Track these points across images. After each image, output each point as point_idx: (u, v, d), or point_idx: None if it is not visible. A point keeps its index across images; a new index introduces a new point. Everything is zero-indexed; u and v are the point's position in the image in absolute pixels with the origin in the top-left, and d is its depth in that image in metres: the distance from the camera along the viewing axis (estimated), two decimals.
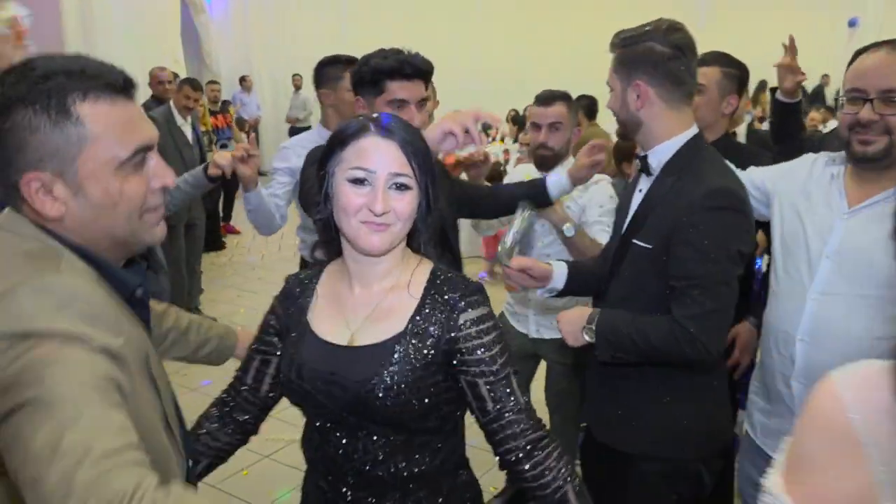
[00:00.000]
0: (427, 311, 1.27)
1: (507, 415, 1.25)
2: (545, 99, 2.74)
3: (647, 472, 1.79)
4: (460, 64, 12.69)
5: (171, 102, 5.48)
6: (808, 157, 1.93)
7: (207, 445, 1.42)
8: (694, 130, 1.77)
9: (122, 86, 1.03)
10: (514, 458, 1.27)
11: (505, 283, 2.11)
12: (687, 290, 1.63)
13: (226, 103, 12.11)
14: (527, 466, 1.26)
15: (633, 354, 1.70)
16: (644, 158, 1.80)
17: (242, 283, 6.66)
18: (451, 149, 1.71)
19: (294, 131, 11.20)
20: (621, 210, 1.94)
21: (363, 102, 2.07)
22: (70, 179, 0.99)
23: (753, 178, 1.98)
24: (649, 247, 1.73)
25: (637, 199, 1.84)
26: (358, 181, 1.23)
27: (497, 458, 1.31)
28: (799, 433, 0.85)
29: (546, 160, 2.73)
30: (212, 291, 6.34)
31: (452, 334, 1.25)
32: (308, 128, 12.26)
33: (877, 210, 1.67)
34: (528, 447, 1.26)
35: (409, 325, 1.26)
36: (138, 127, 1.05)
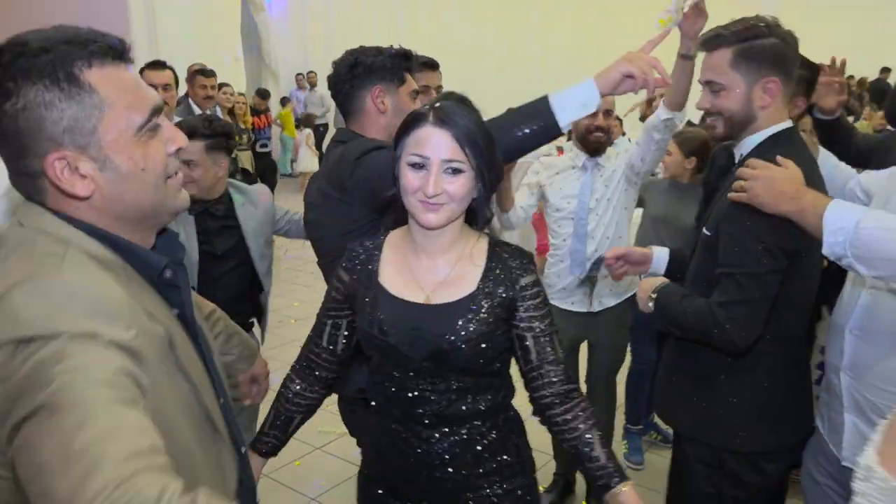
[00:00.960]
0: (492, 276, 1.48)
1: (545, 365, 1.49)
2: None
3: (687, 453, 1.86)
4: (515, 54, 12.66)
5: (189, 96, 5.26)
6: None
7: (299, 404, 1.65)
8: (788, 123, 1.78)
9: (121, 50, 0.99)
10: (547, 403, 1.50)
11: (612, 275, 2.17)
12: (722, 277, 1.68)
13: (284, 100, 12.38)
14: (558, 411, 1.49)
15: (678, 329, 1.81)
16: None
17: (295, 278, 6.78)
18: (629, 89, 1.69)
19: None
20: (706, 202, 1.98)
21: (381, 88, 1.95)
22: (94, 152, 0.95)
23: (862, 180, 1.95)
24: (709, 234, 1.77)
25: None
26: (416, 165, 1.40)
27: (532, 403, 1.54)
28: None
29: (601, 145, 2.90)
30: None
31: (513, 294, 1.47)
32: (325, 125, 12.38)
33: None
34: (561, 395, 1.49)
35: (480, 286, 1.47)
36: (145, 90, 1.02)
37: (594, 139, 2.88)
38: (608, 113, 2.89)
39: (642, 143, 2.73)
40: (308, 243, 2.10)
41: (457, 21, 13.08)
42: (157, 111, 1.01)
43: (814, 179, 1.67)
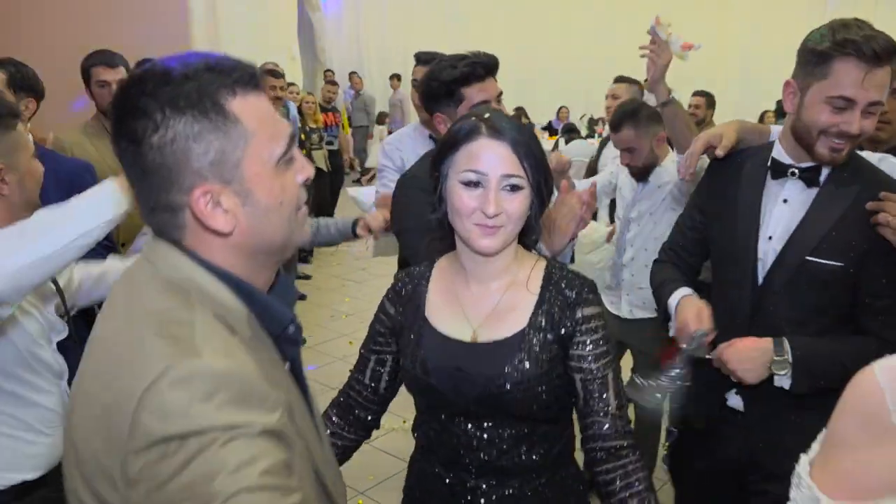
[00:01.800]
0: (546, 306, 1.33)
1: (594, 415, 1.32)
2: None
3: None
4: (575, 56, 12.56)
5: None
6: None
7: (335, 444, 1.47)
8: None
9: (258, 78, 0.95)
10: (592, 458, 1.34)
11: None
12: (886, 309, 1.58)
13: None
14: (599, 469, 1.33)
15: (839, 381, 1.63)
16: (816, 169, 1.67)
17: (347, 273, 6.88)
18: (578, 230, 1.71)
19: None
20: (745, 219, 1.75)
21: (442, 118, 1.98)
22: (238, 186, 0.91)
23: None
24: (840, 265, 1.61)
25: (786, 210, 1.71)
26: (471, 184, 1.27)
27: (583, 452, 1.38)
28: (832, 419, 0.86)
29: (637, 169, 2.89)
30: (318, 279, 6.63)
31: (570, 327, 1.32)
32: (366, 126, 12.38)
33: None
34: (607, 452, 1.32)
35: (532, 320, 1.32)
36: (281, 119, 0.99)
37: (631, 169, 2.92)
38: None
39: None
40: (360, 240, 2.13)
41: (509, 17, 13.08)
42: (293, 140, 0.98)
43: None
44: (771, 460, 1.69)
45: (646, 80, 2.34)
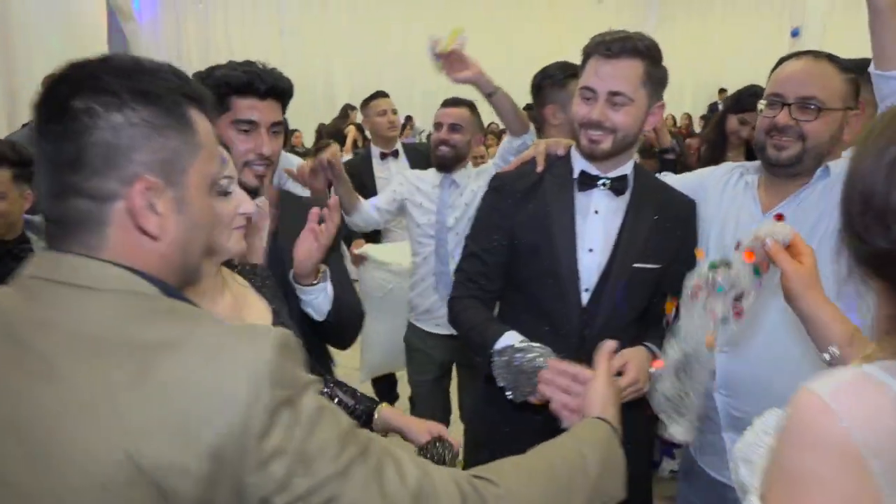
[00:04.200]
0: None
1: None
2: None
3: None
4: (406, 72, 12.77)
5: None
6: (727, 166, 2.04)
7: None
8: None
9: (208, 102, 0.98)
10: None
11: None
12: None
13: None
14: None
15: None
16: (622, 178, 1.81)
17: None
18: None
19: None
20: (562, 233, 1.78)
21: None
22: (177, 192, 0.91)
23: (684, 185, 2.00)
24: (658, 266, 1.78)
25: (599, 221, 1.80)
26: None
27: None
28: (782, 452, 0.82)
29: (447, 160, 3.01)
30: None
31: None
32: None
33: (785, 213, 1.76)
34: None
35: None
36: (219, 146, 1.03)
37: (439, 153, 3.01)
38: (454, 127, 3.00)
39: (494, 167, 2.68)
40: None
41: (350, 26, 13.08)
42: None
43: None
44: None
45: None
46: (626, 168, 1.82)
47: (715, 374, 1.79)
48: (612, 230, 1.79)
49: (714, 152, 3.26)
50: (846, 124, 1.76)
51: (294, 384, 0.84)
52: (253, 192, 1.64)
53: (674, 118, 12.98)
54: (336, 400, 1.50)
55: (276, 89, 1.73)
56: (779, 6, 13.94)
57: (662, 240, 1.79)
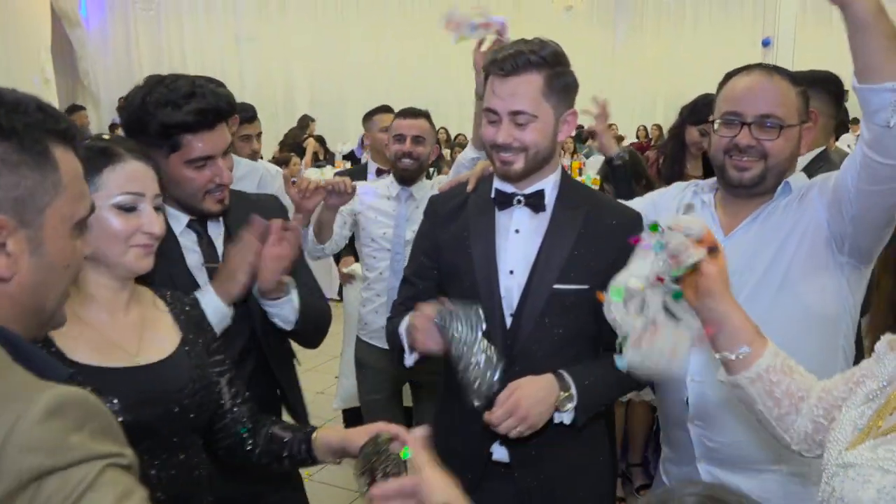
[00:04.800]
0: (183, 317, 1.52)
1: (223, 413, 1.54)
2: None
3: None
4: (365, 80, 12.73)
5: None
6: (678, 186, 2.01)
7: None
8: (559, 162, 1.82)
9: (77, 137, 0.97)
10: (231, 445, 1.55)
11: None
12: None
13: (113, 126, 11.66)
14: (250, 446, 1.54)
15: (611, 403, 1.83)
16: (538, 194, 1.75)
17: None
18: None
19: None
20: (483, 256, 1.75)
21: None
22: (32, 233, 0.90)
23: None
24: (585, 287, 1.68)
25: (520, 241, 1.75)
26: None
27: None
28: None
29: (410, 172, 2.98)
30: None
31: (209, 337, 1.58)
32: None
33: (748, 233, 1.76)
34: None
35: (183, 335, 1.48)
36: (85, 184, 1.00)
37: (402, 166, 2.97)
38: (417, 139, 2.97)
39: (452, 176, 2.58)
40: None
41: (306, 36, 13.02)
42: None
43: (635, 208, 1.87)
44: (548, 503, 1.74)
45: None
46: (545, 183, 1.76)
47: (688, 405, 1.77)
48: (531, 250, 1.73)
49: (674, 165, 3.29)
50: (801, 138, 1.78)
51: (63, 452, 0.79)
52: (220, 213, 1.80)
53: (645, 129, 13.08)
54: (267, 432, 1.54)
55: (223, 112, 1.70)
56: (750, 16, 14.14)
57: (588, 257, 1.71)
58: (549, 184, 1.76)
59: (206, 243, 1.80)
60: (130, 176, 1.38)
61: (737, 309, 1.30)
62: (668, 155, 3.39)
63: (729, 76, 1.81)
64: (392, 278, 2.94)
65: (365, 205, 3.02)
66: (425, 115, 3.09)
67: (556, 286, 1.70)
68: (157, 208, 1.42)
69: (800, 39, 10.57)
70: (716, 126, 1.77)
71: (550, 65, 1.66)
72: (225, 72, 11.83)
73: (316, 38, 13.29)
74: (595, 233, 1.72)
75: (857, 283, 1.72)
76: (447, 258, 1.82)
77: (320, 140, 10.97)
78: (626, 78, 14.12)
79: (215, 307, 1.65)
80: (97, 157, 1.34)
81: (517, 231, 1.76)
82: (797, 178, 1.80)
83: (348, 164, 11.24)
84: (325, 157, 11.10)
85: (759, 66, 1.78)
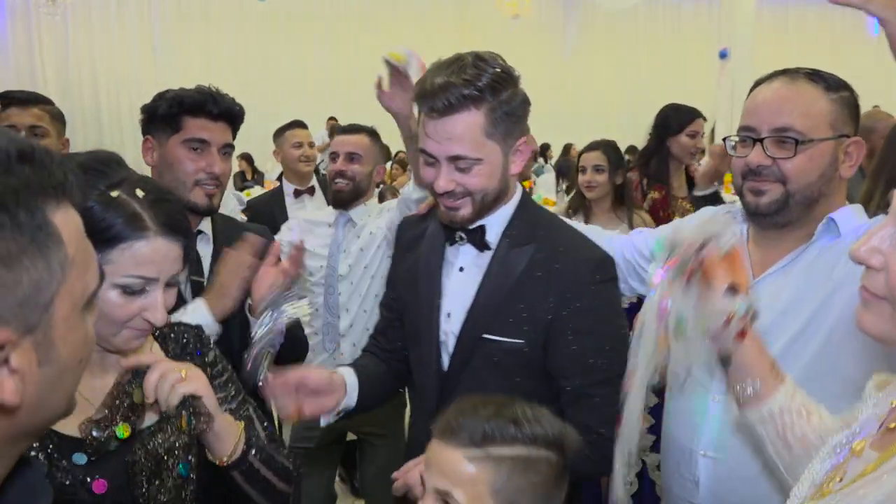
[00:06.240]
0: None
1: None
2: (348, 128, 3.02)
3: None
4: (299, 94, 12.64)
5: None
6: (708, 211, 1.86)
7: None
8: (520, 189, 1.69)
9: (72, 183, 0.75)
10: None
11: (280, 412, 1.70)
12: (591, 389, 1.54)
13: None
14: None
15: None
16: (480, 230, 1.64)
17: None
18: None
19: None
20: (427, 293, 1.71)
21: (152, 143, 1.97)
22: (41, 336, 0.70)
23: (636, 242, 1.88)
24: (518, 342, 1.57)
25: (463, 280, 1.65)
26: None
27: None
28: None
29: (344, 193, 2.89)
30: None
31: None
32: None
33: (781, 279, 1.57)
34: None
35: None
36: (89, 244, 0.79)
37: (335, 187, 2.88)
38: (352, 157, 2.87)
39: (397, 212, 2.52)
40: None
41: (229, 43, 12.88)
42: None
43: (604, 251, 1.69)
44: None
45: None
46: (493, 219, 1.63)
47: (698, 483, 1.64)
48: (470, 292, 1.64)
49: (665, 187, 3.40)
50: (843, 156, 1.54)
51: None
52: (205, 212, 1.96)
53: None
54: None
55: (230, 113, 1.96)
56: (705, 27, 14.53)
57: (525, 307, 1.57)
58: (497, 219, 1.64)
59: (192, 257, 1.83)
60: (149, 258, 1.25)
61: (754, 341, 1.24)
62: (651, 178, 3.42)
63: (755, 85, 1.63)
64: (326, 314, 2.86)
65: (305, 235, 2.86)
66: (368, 131, 2.98)
67: (485, 335, 1.60)
68: (172, 284, 1.32)
69: (758, 50, 10.86)
70: (732, 143, 1.62)
71: (491, 95, 1.50)
72: (140, 82, 11.62)
73: (242, 46, 13.13)
74: (538, 277, 1.59)
75: None
76: (400, 292, 1.80)
77: (247, 158, 10.78)
78: (577, 89, 14.34)
79: (206, 324, 1.68)
80: (124, 226, 1.23)
81: (461, 269, 1.67)
82: (848, 215, 1.54)
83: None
84: (253, 176, 10.90)
85: (786, 71, 1.58)
